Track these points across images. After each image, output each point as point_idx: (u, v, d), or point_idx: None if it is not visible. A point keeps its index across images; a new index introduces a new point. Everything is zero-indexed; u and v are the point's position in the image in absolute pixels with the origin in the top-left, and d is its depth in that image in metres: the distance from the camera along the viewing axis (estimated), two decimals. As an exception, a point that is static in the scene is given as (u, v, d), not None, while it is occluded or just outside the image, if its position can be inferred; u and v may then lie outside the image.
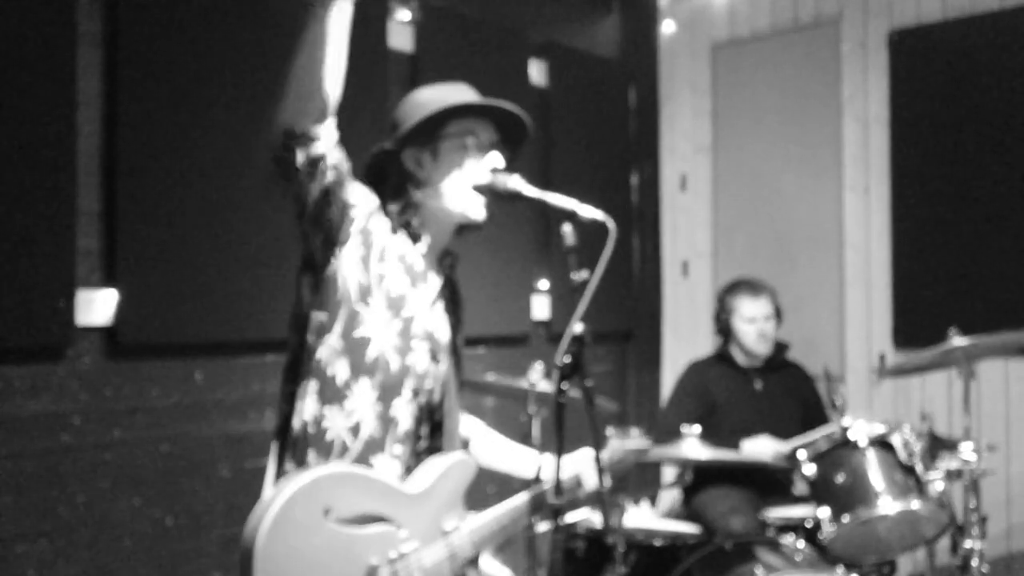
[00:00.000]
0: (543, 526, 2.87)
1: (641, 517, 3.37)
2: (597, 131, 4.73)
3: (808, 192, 4.76)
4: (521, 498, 2.18)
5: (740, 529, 3.39)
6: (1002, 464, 3.99)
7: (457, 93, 2.12)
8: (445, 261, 2.20)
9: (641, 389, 4.97)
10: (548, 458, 2.25)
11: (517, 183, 2.07)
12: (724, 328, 3.94)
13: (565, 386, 1.97)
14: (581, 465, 2.32)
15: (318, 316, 2.01)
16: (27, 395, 2.71)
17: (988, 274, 4.15)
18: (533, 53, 4.37)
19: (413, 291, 2.08)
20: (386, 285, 2.03)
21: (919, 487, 2.95)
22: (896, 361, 4.10)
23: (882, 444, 3.01)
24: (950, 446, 3.21)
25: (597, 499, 2.12)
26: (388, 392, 2.03)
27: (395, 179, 2.11)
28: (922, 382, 4.33)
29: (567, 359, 1.96)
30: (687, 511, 3.76)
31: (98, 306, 2.85)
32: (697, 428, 3.08)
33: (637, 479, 4.76)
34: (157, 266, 2.96)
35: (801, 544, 3.00)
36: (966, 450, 3.10)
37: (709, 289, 5.01)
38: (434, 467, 2.07)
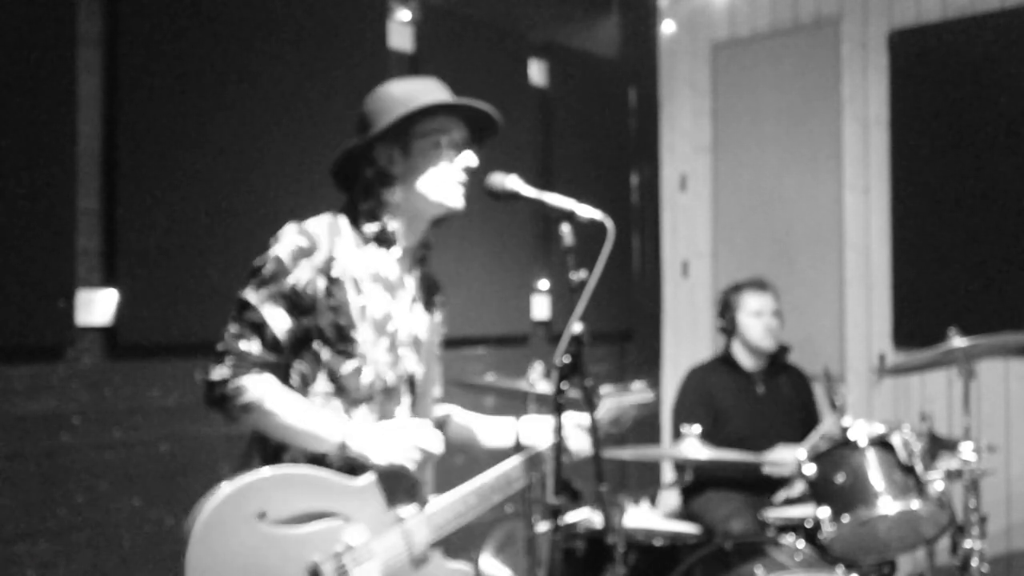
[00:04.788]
0: (542, 526, 2.87)
1: (641, 517, 3.37)
2: (597, 131, 4.73)
3: (808, 192, 4.76)
4: (487, 477, 2.17)
5: (739, 532, 3.39)
6: (1002, 464, 3.99)
7: (427, 90, 2.13)
8: (419, 254, 2.22)
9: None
10: (527, 423, 2.27)
11: (515, 183, 2.08)
12: (729, 326, 3.94)
13: (565, 386, 1.97)
14: (565, 430, 2.25)
15: (298, 367, 2.06)
16: (27, 395, 2.71)
17: (988, 274, 4.15)
18: (533, 53, 4.37)
19: (393, 302, 2.12)
20: (370, 313, 2.07)
21: (919, 487, 2.95)
22: (896, 361, 4.10)
23: (882, 444, 3.01)
24: (950, 446, 3.21)
25: (597, 498, 2.11)
26: (387, 406, 2.10)
27: (367, 176, 2.12)
28: (922, 382, 4.33)
29: (566, 359, 1.97)
30: (686, 513, 3.76)
31: (98, 306, 2.85)
32: (697, 428, 3.08)
33: (637, 479, 4.76)
34: (157, 266, 2.96)
35: (801, 544, 3.00)
36: (966, 450, 3.10)
37: (709, 289, 5.01)
38: None
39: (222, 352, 2.01)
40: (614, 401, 2.39)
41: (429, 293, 2.27)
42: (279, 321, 2.01)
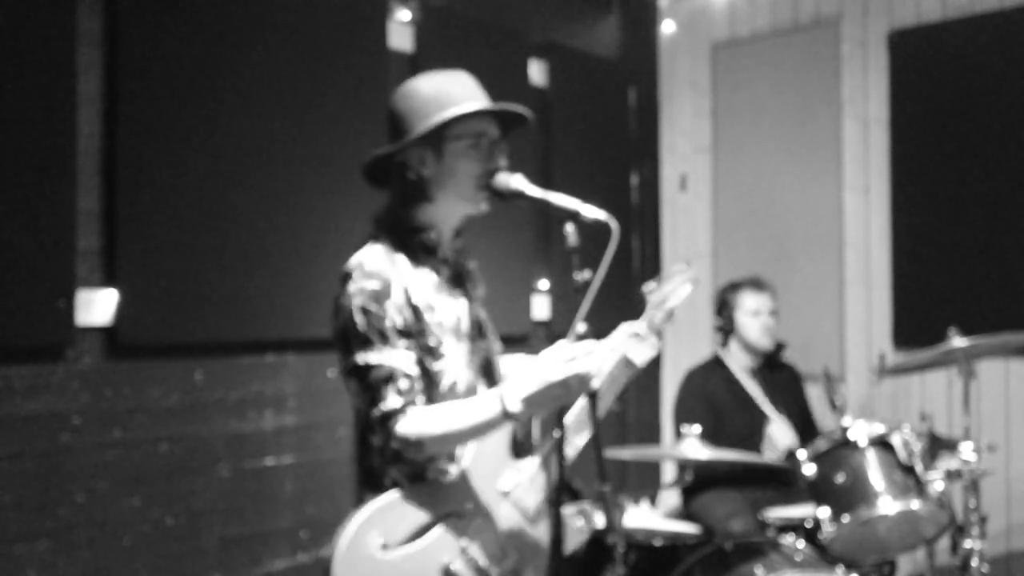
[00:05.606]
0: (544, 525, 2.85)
1: (641, 517, 3.37)
2: (597, 131, 4.73)
3: (808, 192, 4.76)
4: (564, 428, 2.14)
5: (739, 532, 3.39)
6: (1002, 464, 3.99)
7: (459, 87, 2.11)
8: (455, 245, 2.21)
9: (641, 389, 4.97)
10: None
11: (520, 183, 2.07)
12: (726, 325, 3.94)
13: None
14: (621, 344, 2.25)
15: None
16: (27, 395, 2.71)
17: (988, 274, 4.15)
18: (533, 53, 4.37)
19: (456, 306, 2.14)
20: (446, 324, 2.09)
21: (919, 487, 2.95)
22: (896, 361, 4.10)
23: (882, 444, 3.01)
24: (950, 446, 3.21)
25: (598, 498, 2.11)
26: None
27: (399, 179, 2.11)
28: (922, 382, 4.33)
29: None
30: (686, 513, 3.76)
31: (98, 306, 2.84)
32: (697, 428, 3.08)
33: (637, 479, 4.76)
34: (157, 266, 2.96)
35: (801, 544, 3.00)
36: (966, 450, 3.10)
37: (709, 289, 5.01)
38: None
39: (367, 424, 2.01)
40: (658, 293, 2.31)
41: (467, 266, 2.27)
42: (404, 362, 2.00)
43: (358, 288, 2.01)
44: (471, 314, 2.19)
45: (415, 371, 2.02)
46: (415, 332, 2.03)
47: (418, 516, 1.97)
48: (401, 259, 2.08)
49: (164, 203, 2.98)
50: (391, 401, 1.97)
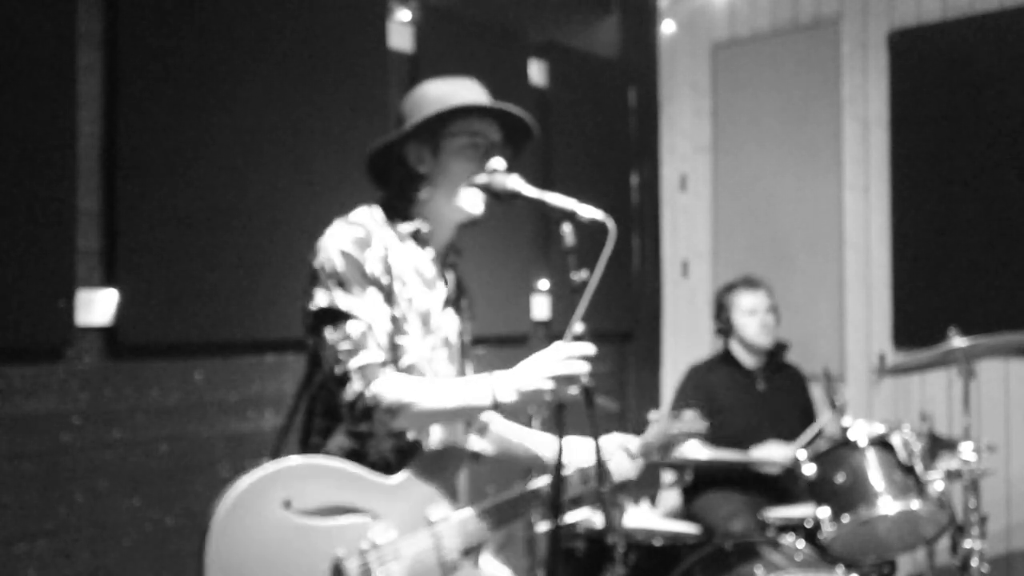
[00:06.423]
0: (542, 525, 2.86)
1: (641, 517, 3.37)
2: (597, 131, 4.73)
3: (808, 192, 4.76)
4: (521, 489, 2.13)
5: (739, 532, 3.39)
6: (1002, 464, 3.99)
7: (464, 91, 2.11)
8: (449, 259, 2.21)
9: (641, 389, 4.97)
10: (571, 442, 2.14)
11: (516, 183, 2.07)
12: (725, 326, 3.95)
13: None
14: (608, 452, 2.18)
15: None
16: (27, 395, 2.71)
17: (988, 274, 4.15)
18: (533, 53, 4.37)
19: (432, 299, 2.12)
20: (416, 305, 2.07)
21: (919, 487, 2.96)
22: (896, 361, 4.10)
23: (882, 444, 3.01)
24: (950, 446, 3.22)
25: (599, 498, 2.10)
26: None
27: (398, 174, 2.12)
28: (922, 382, 4.33)
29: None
30: (686, 513, 3.77)
31: (98, 306, 2.84)
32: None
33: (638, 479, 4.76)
34: (157, 266, 2.96)
35: (801, 544, 3.00)
36: (966, 450, 3.10)
37: (709, 289, 5.01)
38: (418, 458, 2.04)
39: (342, 375, 1.93)
40: (663, 427, 2.29)
41: (458, 297, 2.26)
42: (382, 318, 1.98)
43: (340, 233, 2.00)
44: (445, 325, 2.16)
45: (390, 328, 1.99)
46: (387, 292, 2.00)
47: (337, 495, 1.87)
48: (386, 227, 2.07)
49: (164, 203, 2.98)
50: (373, 353, 1.93)
